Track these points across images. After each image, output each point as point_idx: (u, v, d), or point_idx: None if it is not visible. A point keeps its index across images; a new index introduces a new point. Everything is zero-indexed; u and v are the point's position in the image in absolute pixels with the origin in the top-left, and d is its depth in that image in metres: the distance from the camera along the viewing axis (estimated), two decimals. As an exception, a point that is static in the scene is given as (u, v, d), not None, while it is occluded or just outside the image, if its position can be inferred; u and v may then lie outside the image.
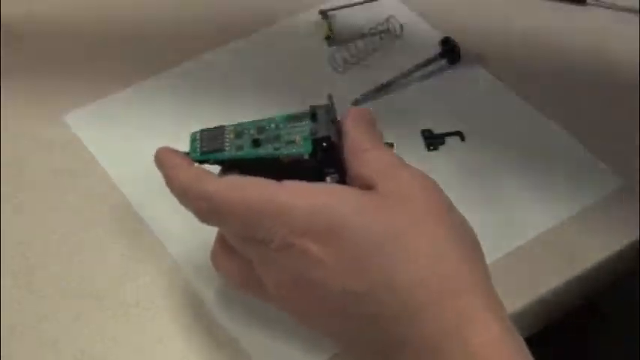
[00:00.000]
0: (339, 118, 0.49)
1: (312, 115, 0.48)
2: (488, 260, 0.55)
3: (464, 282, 0.43)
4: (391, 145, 0.62)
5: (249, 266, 0.47)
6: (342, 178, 0.47)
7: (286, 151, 0.47)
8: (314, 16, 0.70)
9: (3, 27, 0.70)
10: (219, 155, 0.48)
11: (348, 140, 0.47)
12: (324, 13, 0.70)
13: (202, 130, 0.49)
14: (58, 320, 0.53)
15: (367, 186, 0.45)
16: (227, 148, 0.48)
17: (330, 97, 0.49)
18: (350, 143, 0.47)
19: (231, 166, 0.48)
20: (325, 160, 0.47)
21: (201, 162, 0.48)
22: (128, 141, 0.63)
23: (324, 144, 0.46)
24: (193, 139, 0.49)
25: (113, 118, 0.64)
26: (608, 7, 0.71)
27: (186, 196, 0.47)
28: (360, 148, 0.47)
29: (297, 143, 0.47)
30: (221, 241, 0.49)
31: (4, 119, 0.64)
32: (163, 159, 0.49)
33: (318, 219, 0.43)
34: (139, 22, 0.72)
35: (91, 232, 0.57)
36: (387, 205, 0.44)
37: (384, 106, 0.65)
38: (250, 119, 0.50)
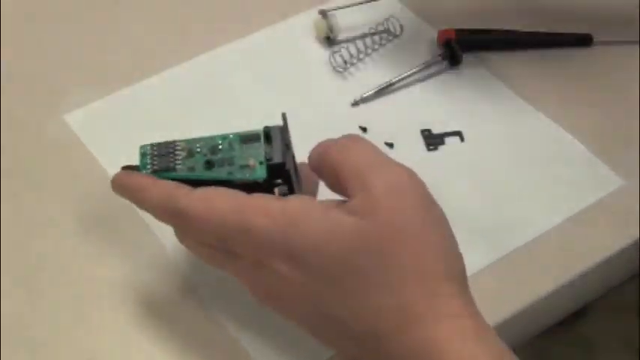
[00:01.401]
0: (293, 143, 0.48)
1: (266, 136, 0.47)
2: (489, 260, 0.56)
3: (428, 309, 0.42)
4: (391, 145, 0.62)
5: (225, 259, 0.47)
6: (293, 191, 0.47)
7: (240, 175, 0.47)
8: (314, 16, 0.70)
9: (3, 27, 0.70)
10: (170, 175, 0.47)
11: (328, 141, 0.46)
12: (324, 13, 0.70)
13: (152, 145, 0.49)
14: (58, 320, 0.53)
15: (345, 191, 0.45)
16: (179, 168, 0.47)
17: (283, 116, 0.48)
18: (329, 142, 0.46)
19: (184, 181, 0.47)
20: (279, 182, 0.47)
21: None
22: (128, 141, 0.62)
23: (278, 170, 0.46)
24: (143, 154, 0.48)
25: (113, 118, 0.64)
26: (613, 43, 0.69)
27: (160, 216, 0.47)
28: (340, 145, 0.46)
29: (252, 167, 0.47)
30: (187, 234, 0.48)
31: (4, 119, 0.64)
32: (126, 183, 0.48)
33: (285, 241, 0.43)
34: (138, 22, 0.72)
35: (91, 231, 0.57)
36: (349, 231, 0.43)
37: (384, 107, 0.65)
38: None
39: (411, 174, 0.44)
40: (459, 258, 0.45)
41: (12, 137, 0.63)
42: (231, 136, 0.48)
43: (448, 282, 0.43)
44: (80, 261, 0.56)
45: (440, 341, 0.41)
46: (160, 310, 0.54)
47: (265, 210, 0.44)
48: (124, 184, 0.48)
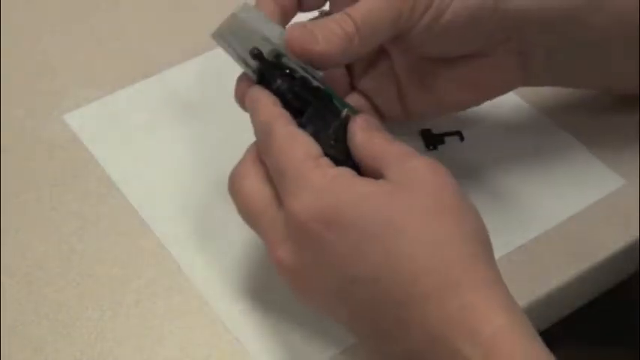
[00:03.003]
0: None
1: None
2: (488, 260, 0.56)
3: (468, 272, 0.43)
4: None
5: (273, 189, 0.47)
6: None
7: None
8: (314, 15, 0.70)
9: (3, 27, 0.70)
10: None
11: (356, 137, 0.48)
12: (324, 13, 0.70)
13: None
14: (58, 320, 0.53)
15: (377, 176, 0.46)
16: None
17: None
18: (359, 139, 0.48)
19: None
20: None
21: None
22: (128, 141, 0.63)
23: None
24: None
25: (113, 118, 0.64)
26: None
27: (255, 126, 0.48)
28: (371, 142, 0.48)
29: None
30: (250, 161, 0.49)
31: (4, 119, 0.64)
32: (249, 96, 0.50)
33: (323, 200, 0.44)
34: (138, 22, 0.72)
35: (91, 232, 0.57)
36: (393, 193, 0.44)
37: (384, 106, 0.65)
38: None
39: (443, 167, 0.47)
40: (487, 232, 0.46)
41: (12, 137, 0.63)
42: None
43: (484, 247, 0.45)
44: (80, 261, 0.56)
45: (478, 309, 0.42)
46: (160, 310, 0.54)
47: (324, 170, 0.45)
48: (248, 95, 0.50)
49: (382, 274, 0.43)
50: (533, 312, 0.54)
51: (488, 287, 0.43)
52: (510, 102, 0.66)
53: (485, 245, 0.45)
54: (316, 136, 0.48)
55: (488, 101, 0.65)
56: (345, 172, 0.46)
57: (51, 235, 0.57)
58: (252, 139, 0.50)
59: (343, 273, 0.44)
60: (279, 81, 0.49)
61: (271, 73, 0.49)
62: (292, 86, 0.49)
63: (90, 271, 0.55)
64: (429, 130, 0.63)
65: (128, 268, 0.56)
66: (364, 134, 0.48)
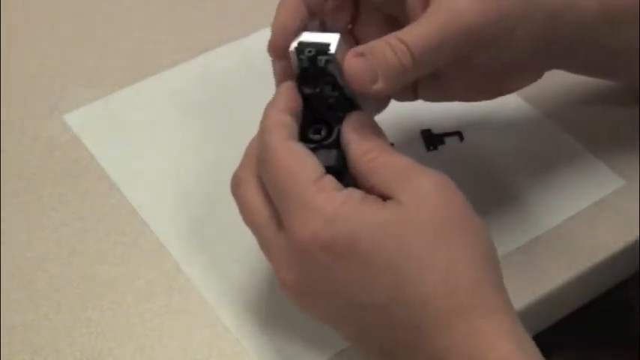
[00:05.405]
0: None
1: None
2: (488, 260, 0.56)
3: (477, 299, 0.43)
4: (391, 145, 0.62)
5: (271, 206, 0.46)
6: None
7: None
8: (314, 16, 0.70)
9: (3, 27, 0.70)
10: None
11: (350, 150, 0.47)
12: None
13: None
14: (58, 320, 0.53)
15: (383, 196, 0.45)
16: None
17: None
18: (354, 153, 0.47)
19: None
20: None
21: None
22: (128, 141, 0.63)
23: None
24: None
25: (113, 118, 0.64)
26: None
27: (259, 133, 0.47)
28: (367, 158, 0.46)
29: None
30: (249, 168, 0.48)
31: (4, 119, 0.64)
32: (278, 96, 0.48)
33: (332, 229, 0.43)
34: (138, 22, 0.72)
35: (91, 232, 0.57)
36: (403, 219, 0.43)
37: (384, 106, 0.65)
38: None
39: (449, 179, 0.46)
40: (495, 250, 0.46)
41: (12, 137, 0.63)
42: None
43: (493, 270, 0.44)
44: (80, 261, 0.56)
45: (484, 336, 0.42)
46: (160, 311, 0.54)
47: (329, 194, 0.44)
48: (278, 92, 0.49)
49: (392, 299, 0.43)
50: (533, 312, 0.54)
51: (497, 314, 0.43)
52: (511, 102, 0.66)
53: (494, 267, 0.45)
54: (340, 156, 0.47)
55: (488, 101, 0.66)
56: (352, 195, 0.44)
57: (51, 234, 0.57)
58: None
59: (352, 299, 0.44)
60: (317, 89, 0.48)
61: (315, 77, 0.48)
62: (329, 97, 0.48)
63: (90, 271, 0.55)
64: (429, 130, 0.63)
65: (128, 268, 0.56)
66: (362, 156, 0.47)
